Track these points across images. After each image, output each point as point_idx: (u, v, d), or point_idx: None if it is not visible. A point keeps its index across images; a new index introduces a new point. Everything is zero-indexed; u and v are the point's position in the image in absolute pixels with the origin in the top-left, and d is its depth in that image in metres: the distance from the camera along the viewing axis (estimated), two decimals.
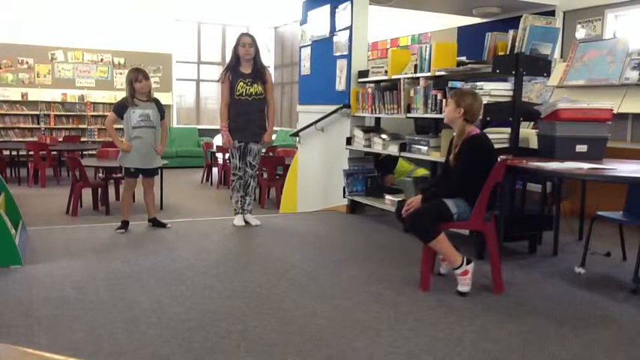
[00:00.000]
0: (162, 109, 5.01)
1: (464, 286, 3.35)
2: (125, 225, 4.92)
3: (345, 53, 5.99)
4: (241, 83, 4.92)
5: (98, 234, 4.85)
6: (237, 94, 4.93)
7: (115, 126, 5.05)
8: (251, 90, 4.93)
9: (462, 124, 3.44)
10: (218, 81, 5.19)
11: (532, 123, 4.75)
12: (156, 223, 5.08)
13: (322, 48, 6.41)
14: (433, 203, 3.39)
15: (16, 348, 1.09)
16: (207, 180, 11.05)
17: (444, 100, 4.53)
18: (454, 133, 3.56)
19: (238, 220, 5.17)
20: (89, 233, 4.91)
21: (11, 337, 2.68)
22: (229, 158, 5.26)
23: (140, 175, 4.99)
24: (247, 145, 5.05)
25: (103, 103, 13.17)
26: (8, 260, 3.75)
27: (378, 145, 5.48)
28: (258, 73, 4.99)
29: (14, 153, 11.12)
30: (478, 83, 4.28)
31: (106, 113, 13.12)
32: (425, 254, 3.44)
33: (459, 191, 3.41)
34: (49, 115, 12.78)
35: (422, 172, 5.54)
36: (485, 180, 3.34)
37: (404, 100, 5.05)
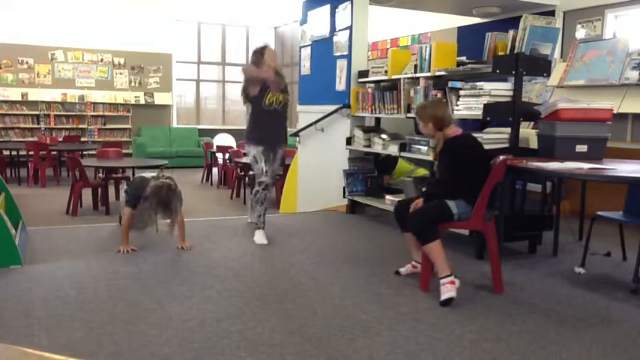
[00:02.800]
0: (174, 212, 4.27)
1: (448, 292, 3.17)
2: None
3: (345, 53, 5.99)
4: (270, 93, 4.67)
5: (98, 234, 4.85)
6: (268, 103, 4.67)
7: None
8: (280, 98, 4.72)
9: (439, 134, 3.49)
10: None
11: (532, 123, 4.75)
12: None
13: (322, 48, 6.41)
14: (435, 203, 3.39)
15: (15, 348, 1.09)
16: (207, 180, 11.05)
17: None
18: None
19: (260, 237, 4.69)
20: (89, 233, 4.91)
21: (11, 337, 2.68)
22: (252, 164, 4.83)
23: None
24: (273, 150, 4.79)
25: (103, 103, 13.15)
26: (8, 260, 3.75)
27: (378, 145, 5.48)
28: (281, 80, 4.80)
29: (14, 153, 11.11)
30: (478, 83, 4.28)
31: (106, 113, 13.15)
32: (425, 254, 3.44)
33: (448, 192, 3.40)
34: (49, 115, 12.77)
35: (422, 172, 5.53)
36: (477, 178, 3.34)
37: (404, 100, 5.06)
